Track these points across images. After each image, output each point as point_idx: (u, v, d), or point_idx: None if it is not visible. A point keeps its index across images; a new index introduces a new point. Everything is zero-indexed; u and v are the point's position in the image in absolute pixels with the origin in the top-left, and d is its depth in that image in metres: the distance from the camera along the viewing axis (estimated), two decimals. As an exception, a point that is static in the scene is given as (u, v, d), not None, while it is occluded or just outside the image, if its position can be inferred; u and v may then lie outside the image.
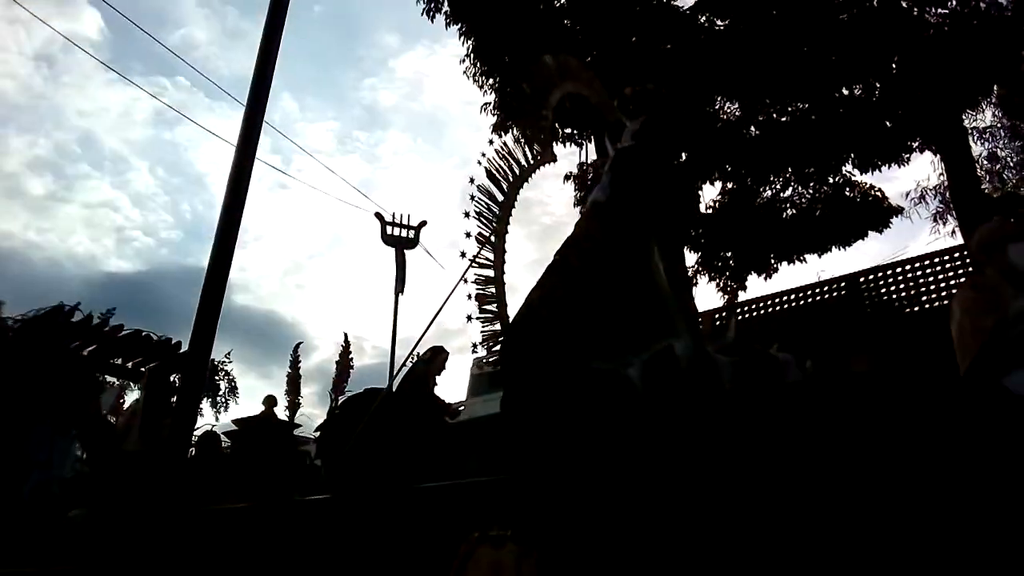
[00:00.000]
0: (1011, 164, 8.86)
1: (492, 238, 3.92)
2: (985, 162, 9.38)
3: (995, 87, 9.27)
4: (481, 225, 3.93)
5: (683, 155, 11.89)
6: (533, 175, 4.34)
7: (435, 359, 4.74)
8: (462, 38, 12.67)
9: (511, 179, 4.16)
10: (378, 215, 12.02)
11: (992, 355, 3.09)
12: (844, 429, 2.24)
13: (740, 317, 12.73)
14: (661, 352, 3.44)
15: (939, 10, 11.66)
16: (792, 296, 12.52)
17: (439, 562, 2.58)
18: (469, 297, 3.84)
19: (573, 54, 4.78)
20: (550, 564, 2.33)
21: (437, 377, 4.85)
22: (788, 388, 2.98)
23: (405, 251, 11.70)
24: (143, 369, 7.39)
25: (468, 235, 3.93)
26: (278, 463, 4.76)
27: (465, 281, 3.88)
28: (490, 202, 4.02)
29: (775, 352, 3.31)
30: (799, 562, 1.92)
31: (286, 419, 5.88)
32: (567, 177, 13.23)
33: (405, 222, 11.95)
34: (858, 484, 2.03)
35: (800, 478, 2.15)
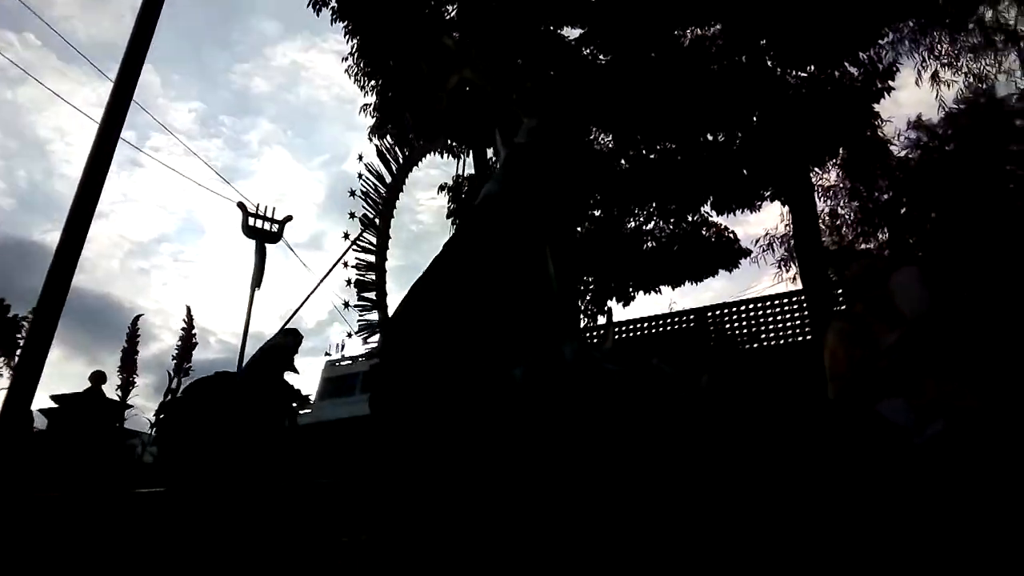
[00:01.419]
0: (849, 222, 9.70)
1: (377, 221, 3.68)
2: (827, 218, 10.20)
3: (841, 150, 10.09)
4: (367, 207, 3.69)
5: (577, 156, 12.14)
6: (423, 159, 4.17)
7: (293, 337, 4.37)
8: (347, 36, 12.30)
9: (401, 162, 3.95)
10: (241, 205, 11.38)
11: (863, 384, 3.23)
12: (728, 440, 2.20)
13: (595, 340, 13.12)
14: (549, 354, 3.33)
15: (799, 73, 12.64)
16: (647, 323, 13.06)
17: (289, 563, 2.29)
18: (348, 283, 3.57)
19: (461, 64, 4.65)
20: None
21: (296, 357, 4.47)
22: (682, 396, 2.92)
23: (266, 245, 11.12)
24: None
25: (352, 215, 3.67)
26: (103, 446, 4.21)
27: (345, 265, 3.62)
28: (378, 183, 3.78)
29: (659, 364, 3.26)
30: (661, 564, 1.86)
31: (117, 399, 5.25)
32: (441, 188, 13.11)
33: (269, 215, 11.39)
34: (733, 490, 2.00)
35: (675, 483, 2.08)
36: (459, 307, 3.57)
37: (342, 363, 15.16)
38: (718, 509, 1.94)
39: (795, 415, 2.53)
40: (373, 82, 12.67)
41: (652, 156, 13.78)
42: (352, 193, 3.72)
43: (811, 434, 2.38)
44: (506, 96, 5.18)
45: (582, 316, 12.73)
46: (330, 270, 3.52)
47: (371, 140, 12.60)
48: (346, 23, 12.16)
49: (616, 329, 13.15)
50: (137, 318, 5.57)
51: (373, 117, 12.80)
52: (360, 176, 3.79)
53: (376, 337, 3.47)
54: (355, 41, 12.35)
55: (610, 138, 13.93)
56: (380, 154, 3.85)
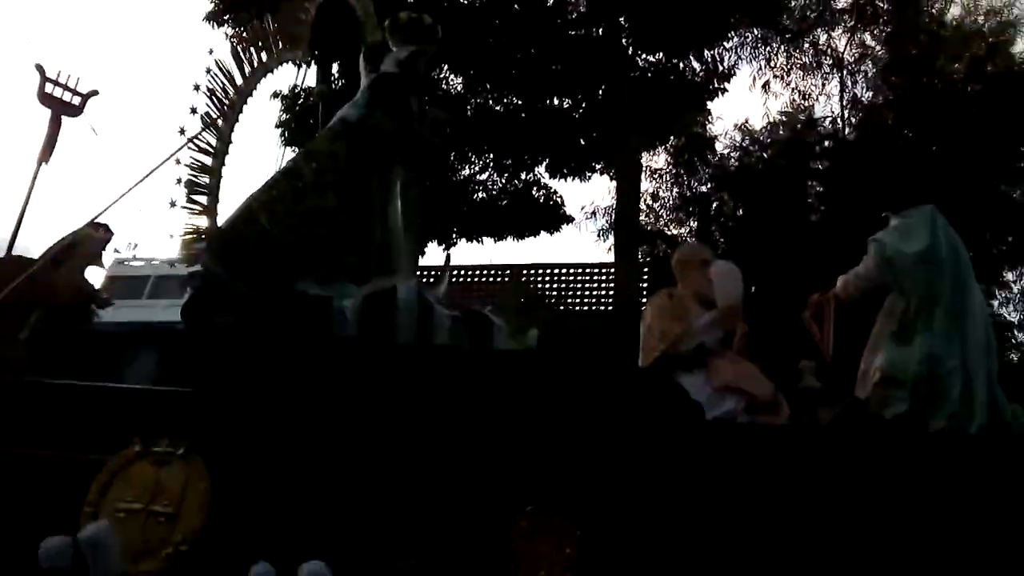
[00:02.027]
0: (667, 206, 10.45)
1: (219, 123, 3.44)
2: (648, 199, 10.92)
3: (672, 138, 10.78)
4: (211, 105, 3.43)
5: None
6: (278, 68, 3.94)
7: (104, 231, 3.98)
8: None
9: (255, 66, 3.70)
10: (39, 67, 9.95)
11: (671, 359, 3.56)
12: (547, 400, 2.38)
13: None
14: (383, 291, 3.33)
15: (649, 57, 13.23)
16: (464, 273, 13.31)
17: (78, 474, 2.16)
18: (179, 181, 3.32)
19: None
20: (228, 489, 2.08)
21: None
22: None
23: (63, 117, 9.87)
24: None
25: (194, 111, 3.41)
26: None
27: (178, 162, 3.36)
28: (227, 82, 3.52)
29: (491, 315, 3.40)
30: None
31: None
32: (275, 95, 12.32)
33: (72, 85, 10.08)
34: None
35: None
36: (294, 227, 3.46)
37: (132, 263, 13.97)
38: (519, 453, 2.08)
39: (611, 378, 2.74)
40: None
41: (498, 108, 13.86)
42: (197, 88, 3.43)
43: (622, 395, 2.61)
44: (374, 21, 4.97)
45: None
46: (160, 164, 3.25)
47: (212, 27, 11.57)
48: None
49: (428, 274, 13.25)
50: None
51: (211, 2, 11.72)
52: (208, 71, 3.51)
53: (202, 244, 3.27)
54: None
55: (459, 81, 13.80)
56: (234, 53, 3.58)
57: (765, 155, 10.21)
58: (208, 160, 3.44)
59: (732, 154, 10.34)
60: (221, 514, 1.98)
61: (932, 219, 3.13)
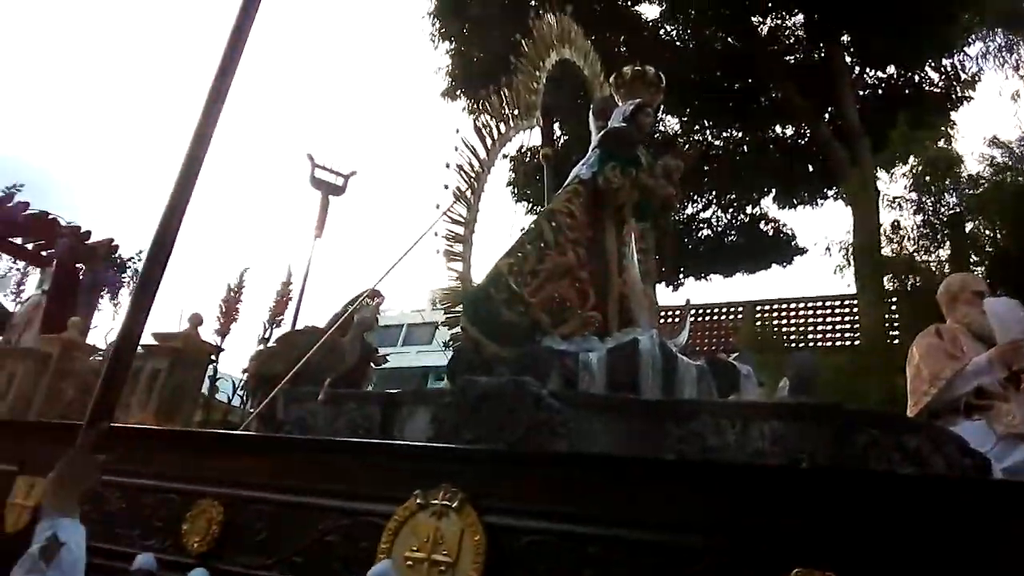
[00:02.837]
0: (911, 236, 9.49)
1: (468, 194, 3.75)
2: (889, 228, 10.03)
3: (911, 158, 9.85)
4: (460, 179, 3.76)
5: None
6: (517, 133, 4.23)
7: (376, 301, 4.53)
8: (425, -7, 12.32)
9: (495, 137, 4.01)
10: (309, 156, 11.60)
11: (945, 404, 3.23)
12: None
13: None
14: (626, 344, 3.40)
15: (879, 72, 12.32)
16: (697, 311, 13.03)
17: (371, 527, 2.39)
18: (437, 252, 3.66)
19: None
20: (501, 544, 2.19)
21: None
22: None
23: (330, 197, 11.34)
24: (44, 254, 6.67)
25: (446, 187, 3.75)
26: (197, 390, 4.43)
27: (436, 234, 3.71)
28: (472, 156, 3.85)
29: (737, 363, 3.32)
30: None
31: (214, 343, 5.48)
32: (504, 156, 13.10)
33: (335, 169, 11.61)
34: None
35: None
36: (539, 286, 3.65)
37: (387, 313, 15.51)
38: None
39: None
40: (447, 43, 12.65)
41: (718, 143, 13.60)
42: (447, 166, 3.79)
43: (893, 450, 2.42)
44: (598, 77, 5.18)
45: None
46: (420, 238, 3.62)
47: (447, 100, 12.67)
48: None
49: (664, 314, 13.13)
50: (245, 271, 5.84)
51: (446, 80, 12.81)
52: (455, 148, 3.86)
53: (458, 307, 3.56)
54: (433, 1, 12.35)
55: (675, 120, 13.75)
56: (476, 128, 3.91)
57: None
58: (460, 229, 3.76)
59: (984, 171, 9.19)
60: (493, 564, 2.11)
61: None
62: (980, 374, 3.31)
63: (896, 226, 9.68)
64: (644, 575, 1.91)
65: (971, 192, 8.85)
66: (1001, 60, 10.40)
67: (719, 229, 13.57)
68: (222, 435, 3.33)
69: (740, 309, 13.43)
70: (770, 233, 13.25)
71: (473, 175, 3.83)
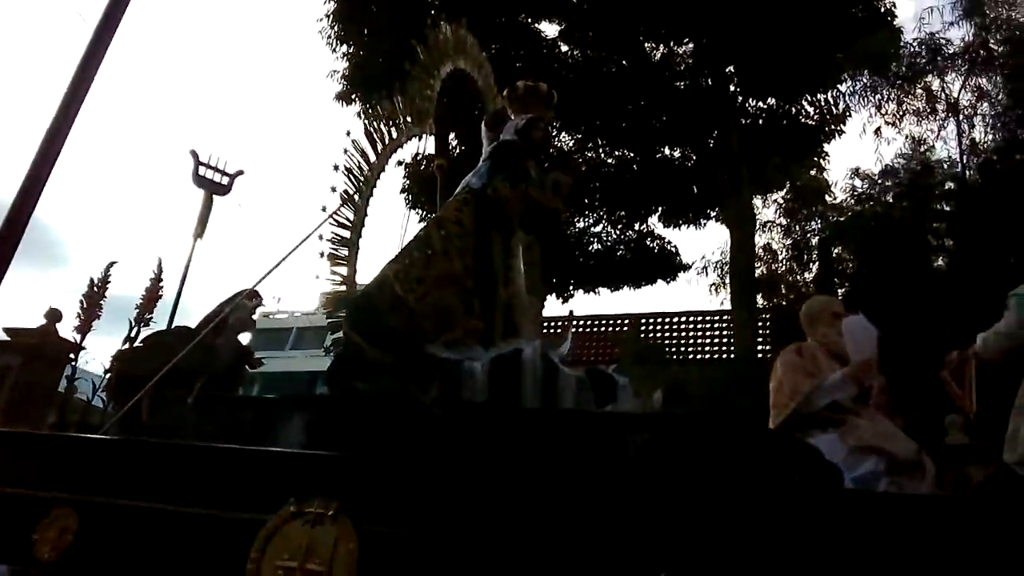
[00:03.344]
0: (782, 257, 10.19)
1: (356, 198, 3.72)
2: (761, 250, 10.72)
3: (787, 183, 10.57)
4: (348, 182, 3.72)
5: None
6: (407, 142, 4.23)
7: (256, 301, 4.38)
8: (325, -3, 12.11)
9: (386, 142, 4.00)
10: (193, 153, 11.09)
11: (802, 417, 3.46)
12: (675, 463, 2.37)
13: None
14: (508, 353, 3.45)
15: (760, 103, 13.09)
16: (582, 323, 13.37)
17: (238, 534, 2.32)
18: (321, 255, 3.60)
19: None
20: (375, 551, 2.18)
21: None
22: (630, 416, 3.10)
23: (214, 196, 10.89)
24: None
25: (333, 190, 3.71)
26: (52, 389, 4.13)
27: (320, 238, 3.65)
28: (362, 160, 3.82)
29: (615, 374, 3.44)
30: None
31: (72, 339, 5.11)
32: (399, 163, 13.03)
33: (221, 167, 11.16)
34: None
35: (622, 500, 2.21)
36: (426, 294, 3.66)
37: (276, 315, 15.01)
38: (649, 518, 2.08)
39: (739, 443, 2.71)
40: (345, 47, 12.46)
41: (610, 161, 14.04)
42: (335, 168, 3.74)
43: (752, 463, 2.57)
44: (493, 90, 5.24)
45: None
46: (303, 240, 3.54)
47: (341, 104, 12.48)
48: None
49: (551, 325, 13.41)
50: (110, 265, 5.40)
51: (340, 84, 12.60)
52: (345, 151, 3.82)
53: (342, 312, 3.52)
54: (332, 3, 12.14)
55: (570, 138, 14.11)
56: (367, 133, 3.88)
57: (885, 198, 9.80)
58: (346, 233, 3.71)
59: (848, 200, 9.99)
60: (368, 573, 2.09)
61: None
62: (835, 389, 3.56)
63: (768, 248, 10.35)
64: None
65: (835, 219, 9.56)
66: (866, 99, 11.27)
67: (608, 244, 13.98)
68: (78, 439, 3.14)
69: (626, 322, 13.90)
70: (656, 250, 13.76)
71: (362, 179, 3.80)
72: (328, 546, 2.14)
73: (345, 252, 3.68)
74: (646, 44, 13.60)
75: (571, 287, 13.62)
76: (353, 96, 12.47)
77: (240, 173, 10.63)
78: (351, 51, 12.39)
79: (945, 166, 9.98)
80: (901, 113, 10.59)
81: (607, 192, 13.75)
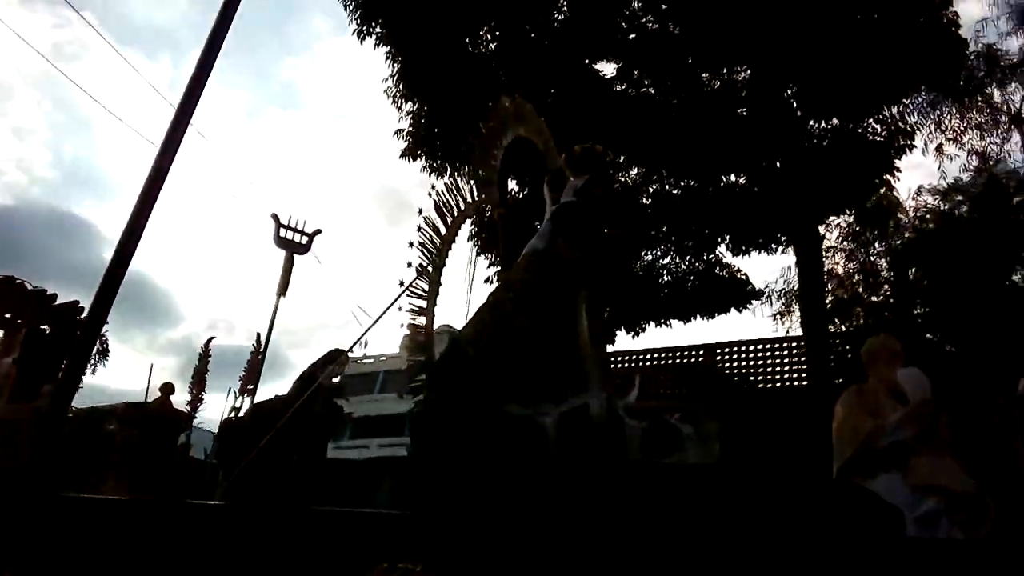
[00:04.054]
0: (852, 280, 10.11)
1: (430, 269, 4.07)
2: (839, 269, 10.62)
3: (858, 204, 10.46)
4: (423, 256, 4.08)
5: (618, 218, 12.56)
6: (475, 213, 4.56)
7: (337, 360, 4.77)
8: (388, 59, 12.76)
9: (455, 214, 4.34)
10: (274, 216, 11.87)
11: (865, 458, 3.58)
12: (733, 515, 2.58)
13: (613, 366, 13.48)
14: (577, 408, 3.72)
15: (824, 124, 12.99)
16: (658, 354, 13.45)
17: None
18: (401, 326, 3.96)
19: (496, 96, 5.04)
20: None
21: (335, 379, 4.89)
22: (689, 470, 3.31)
23: (295, 256, 11.59)
24: (17, 321, 6.75)
25: (409, 265, 4.06)
26: (168, 457, 4.60)
27: (400, 309, 4.00)
28: (433, 234, 4.17)
29: (676, 422, 3.65)
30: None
31: (184, 410, 5.66)
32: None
33: (300, 227, 11.89)
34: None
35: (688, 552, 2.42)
36: (499, 355, 3.95)
37: (364, 360, 15.66)
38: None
39: (794, 497, 2.88)
40: (409, 104, 13.08)
41: (675, 192, 14.14)
42: (411, 244, 4.11)
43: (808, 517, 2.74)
44: (554, 152, 5.56)
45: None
46: (381, 314, 3.91)
47: (407, 160, 13.09)
48: (389, 48, 12.63)
49: (626, 358, 13.53)
50: (209, 341, 5.97)
51: (405, 141, 13.22)
52: (419, 228, 4.19)
53: (422, 379, 3.84)
54: (396, 65, 12.79)
55: (635, 172, 14.30)
56: (437, 208, 4.23)
57: (956, 213, 9.62)
58: (423, 303, 4.06)
59: (914, 219, 9.84)
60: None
61: None
62: (896, 430, 3.67)
63: (832, 273, 10.28)
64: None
65: (902, 240, 9.44)
66: (927, 115, 11.12)
67: (678, 275, 14.04)
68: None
69: (701, 352, 13.88)
70: (726, 278, 13.74)
71: (434, 252, 4.16)
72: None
73: (422, 320, 4.03)
74: (703, 74, 13.73)
75: (643, 321, 13.71)
76: (418, 152, 13.07)
77: (318, 232, 11.32)
78: (415, 108, 13.00)
79: (1014, 178, 9.74)
80: (963, 127, 10.40)
81: (674, 223, 13.84)
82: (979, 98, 10.15)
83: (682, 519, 2.54)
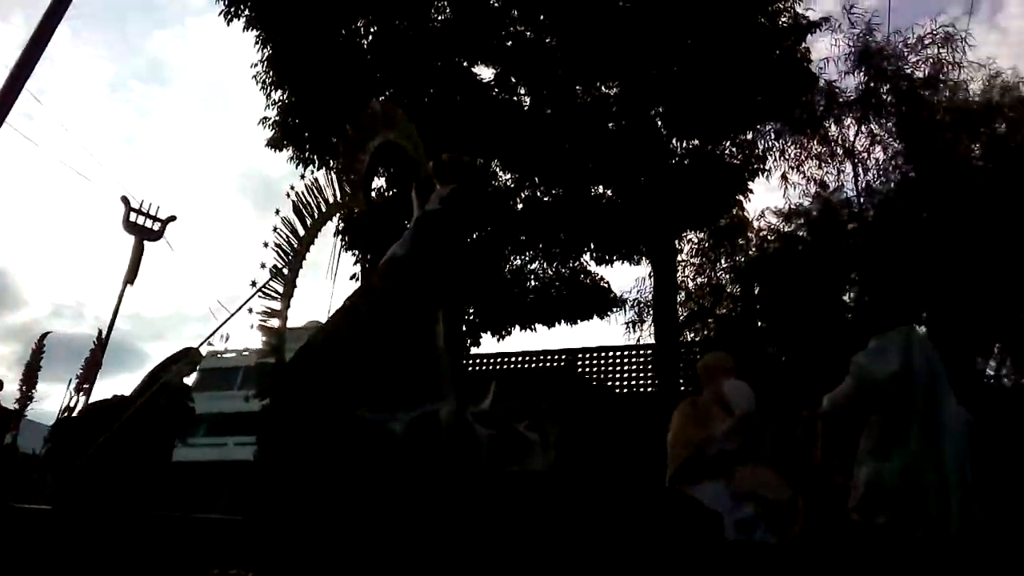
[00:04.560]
0: (704, 291, 10.82)
1: (285, 271, 4.02)
2: (689, 283, 11.30)
3: (714, 221, 11.17)
4: (278, 257, 4.02)
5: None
6: (337, 215, 4.52)
7: (187, 358, 4.60)
8: (258, 44, 12.32)
9: (315, 216, 4.30)
10: (124, 199, 11.13)
11: (694, 466, 3.87)
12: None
13: (472, 369, 13.64)
14: (428, 414, 3.78)
15: (685, 144, 13.76)
16: (520, 358, 13.76)
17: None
18: (251, 327, 3.88)
19: (370, 91, 5.04)
20: None
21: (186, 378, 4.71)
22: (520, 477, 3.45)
23: (146, 242, 10.92)
24: None
25: (263, 266, 3.99)
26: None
27: (250, 311, 3.92)
28: (291, 235, 4.12)
29: (524, 430, 3.78)
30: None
31: (12, 408, 5.23)
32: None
33: (153, 212, 11.20)
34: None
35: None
36: (353, 360, 3.95)
37: (225, 355, 14.96)
38: None
39: (619, 503, 3.08)
40: (279, 93, 12.69)
41: (546, 199, 14.50)
42: (265, 244, 4.03)
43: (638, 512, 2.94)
44: (423, 160, 5.57)
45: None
46: (229, 317, 3.82)
47: (274, 150, 12.69)
48: (258, 32, 12.20)
49: (489, 361, 13.74)
50: (44, 336, 5.47)
51: (272, 130, 12.81)
52: (275, 229, 4.11)
53: (270, 381, 3.78)
54: (266, 51, 12.37)
55: (508, 177, 14.55)
56: (296, 209, 4.17)
57: (797, 235, 10.55)
58: (276, 304, 3.99)
59: (764, 237, 10.72)
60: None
61: (907, 339, 3.40)
62: (723, 440, 4.00)
63: (681, 285, 10.97)
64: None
65: (746, 258, 10.19)
66: (775, 144, 12.04)
67: (545, 281, 14.40)
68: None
69: (563, 357, 14.33)
70: (589, 285, 14.24)
71: (291, 253, 4.09)
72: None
73: (275, 323, 3.96)
74: (576, 87, 14.17)
75: (508, 325, 13.97)
76: (285, 143, 12.71)
77: (172, 219, 10.74)
78: (284, 97, 12.63)
79: (846, 207, 10.75)
80: (804, 156, 11.40)
81: (543, 230, 14.19)
82: (820, 131, 11.10)
83: (508, 525, 2.67)
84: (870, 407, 3.40)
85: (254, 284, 3.93)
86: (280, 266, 4.03)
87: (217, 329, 3.78)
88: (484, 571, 2.47)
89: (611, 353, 12.81)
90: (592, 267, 14.43)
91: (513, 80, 14.13)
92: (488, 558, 2.53)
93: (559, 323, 14.14)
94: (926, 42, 11.12)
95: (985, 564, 2.47)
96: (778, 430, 4.61)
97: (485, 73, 14.12)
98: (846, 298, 9.86)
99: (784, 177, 11.61)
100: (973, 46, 10.83)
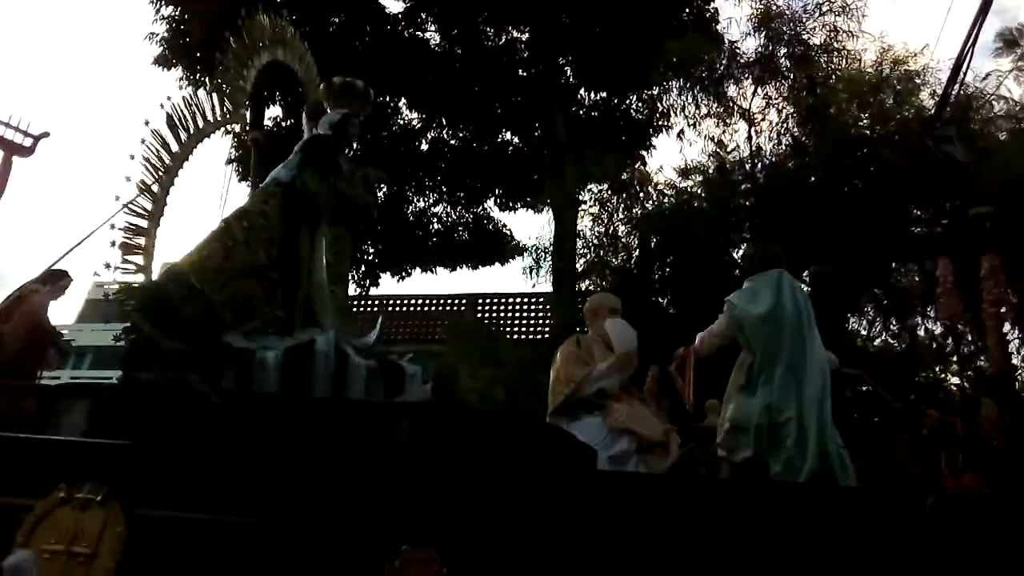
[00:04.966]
0: (604, 241, 10.98)
1: (155, 187, 3.74)
2: (587, 233, 11.43)
3: (614, 174, 11.27)
4: (146, 172, 3.73)
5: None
6: (216, 132, 4.25)
7: (57, 284, 4.27)
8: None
9: (192, 131, 4.01)
10: (-10, 110, 10.18)
11: (573, 402, 3.92)
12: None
13: (370, 309, 13.47)
14: (303, 343, 3.66)
15: (593, 95, 13.80)
16: (421, 301, 13.70)
17: (6, 520, 2.41)
18: (113, 244, 3.61)
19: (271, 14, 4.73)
20: (143, 534, 2.34)
21: (54, 302, 4.38)
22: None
23: (15, 158, 10.04)
24: None
25: (128, 179, 3.70)
26: None
27: (112, 227, 3.64)
28: (162, 150, 3.82)
29: (405, 363, 3.73)
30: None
31: None
32: (226, 131, 12.50)
33: (23, 128, 10.28)
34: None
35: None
36: (223, 285, 3.76)
37: (111, 285, 14.06)
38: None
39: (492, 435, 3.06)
40: (169, 8, 11.84)
41: (453, 142, 14.27)
42: (132, 157, 3.73)
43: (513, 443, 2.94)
44: (314, 83, 5.29)
45: (354, 286, 12.84)
46: (96, 229, 3.54)
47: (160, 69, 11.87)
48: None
49: (389, 302, 13.57)
50: None
51: (160, 47, 11.97)
52: (143, 141, 3.80)
53: (133, 301, 3.55)
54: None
55: (414, 116, 14.22)
56: (169, 123, 3.87)
57: (693, 192, 10.81)
58: (143, 222, 3.71)
59: (661, 191, 10.94)
60: (134, 555, 2.26)
61: (778, 281, 3.52)
62: (602, 378, 4.05)
63: (583, 235, 11.09)
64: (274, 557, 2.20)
65: (647, 211, 10.38)
66: (677, 101, 12.21)
67: (448, 224, 14.28)
68: None
69: (463, 302, 14.34)
70: (492, 232, 14.22)
71: (162, 169, 3.80)
72: (96, 529, 2.28)
73: (141, 241, 3.69)
74: (488, 29, 13.90)
75: (409, 266, 13.81)
76: (174, 62, 11.93)
77: (45, 135, 9.87)
78: (174, 12, 11.81)
79: (740, 168, 11.07)
80: (703, 115, 11.62)
81: (448, 173, 14.01)
82: (720, 90, 11.31)
83: (368, 454, 2.61)
84: (741, 344, 3.52)
85: (118, 198, 3.64)
86: (149, 182, 3.74)
87: (75, 247, 3.49)
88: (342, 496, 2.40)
89: (510, 299, 12.91)
90: (495, 213, 14.40)
91: (423, 16, 13.71)
92: (338, 483, 2.46)
93: (461, 267, 14.10)
94: (823, 9, 11.36)
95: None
96: (661, 371, 4.74)
97: (394, 6, 13.61)
98: (736, 255, 10.20)
99: (680, 135, 11.81)
100: (867, 16, 11.17)
